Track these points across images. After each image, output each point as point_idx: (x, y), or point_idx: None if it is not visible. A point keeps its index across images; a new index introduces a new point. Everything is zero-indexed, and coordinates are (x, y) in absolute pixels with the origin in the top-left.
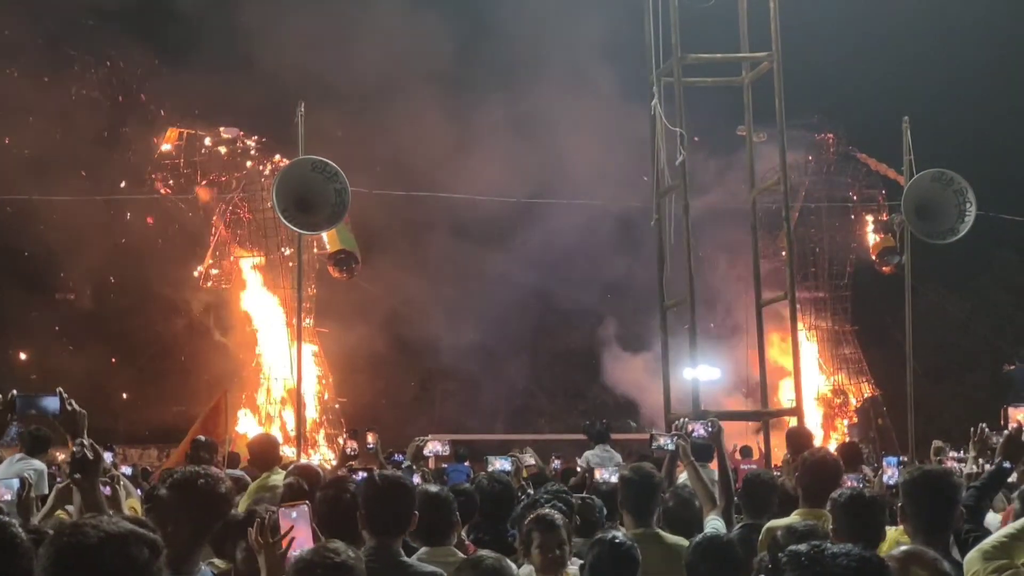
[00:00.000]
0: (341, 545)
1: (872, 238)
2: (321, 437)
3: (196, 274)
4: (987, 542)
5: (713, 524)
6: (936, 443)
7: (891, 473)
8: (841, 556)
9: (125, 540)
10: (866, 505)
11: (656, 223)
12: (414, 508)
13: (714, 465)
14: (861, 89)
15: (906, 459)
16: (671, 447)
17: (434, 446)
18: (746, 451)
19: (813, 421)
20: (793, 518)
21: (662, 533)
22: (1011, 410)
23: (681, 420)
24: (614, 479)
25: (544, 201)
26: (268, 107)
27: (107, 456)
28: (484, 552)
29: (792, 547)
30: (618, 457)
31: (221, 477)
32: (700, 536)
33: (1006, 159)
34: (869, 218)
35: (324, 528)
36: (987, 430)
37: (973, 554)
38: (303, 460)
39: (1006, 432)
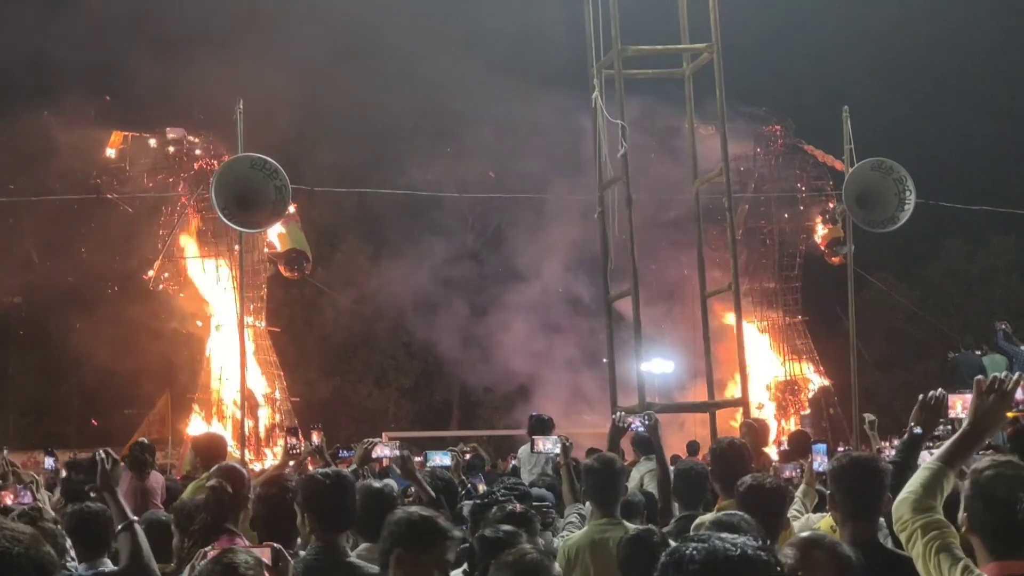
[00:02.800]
0: (241, 554)
1: (820, 229)
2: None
3: (145, 277)
4: (913, 488)
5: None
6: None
7: (820, 460)
8: (723, 544)
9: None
10: (765, 494)
11: (600, 215)
12: (356, 502)
13: None
14: (805, 81)
15: (850, 447)
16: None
17: (382, 450)
18: (693, 447)
19: (767, 412)
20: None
21: (626, 522)
22: (951, 397)
23: (619, 414)
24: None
25: (504, 196)
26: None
27: (48, 461)
28: (525, 546)
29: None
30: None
31: None
32: (632, 530)
33: (953, 149)
34: (817, 209)
35: (263, 527)
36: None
37: (900, 503)
38: (253, 462)
39: (920, 397)
